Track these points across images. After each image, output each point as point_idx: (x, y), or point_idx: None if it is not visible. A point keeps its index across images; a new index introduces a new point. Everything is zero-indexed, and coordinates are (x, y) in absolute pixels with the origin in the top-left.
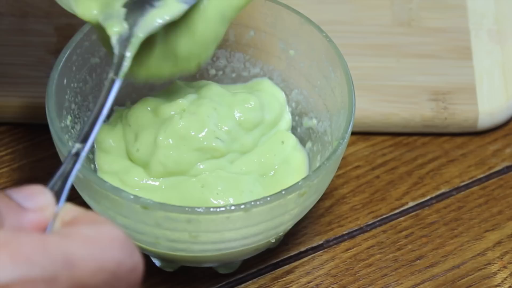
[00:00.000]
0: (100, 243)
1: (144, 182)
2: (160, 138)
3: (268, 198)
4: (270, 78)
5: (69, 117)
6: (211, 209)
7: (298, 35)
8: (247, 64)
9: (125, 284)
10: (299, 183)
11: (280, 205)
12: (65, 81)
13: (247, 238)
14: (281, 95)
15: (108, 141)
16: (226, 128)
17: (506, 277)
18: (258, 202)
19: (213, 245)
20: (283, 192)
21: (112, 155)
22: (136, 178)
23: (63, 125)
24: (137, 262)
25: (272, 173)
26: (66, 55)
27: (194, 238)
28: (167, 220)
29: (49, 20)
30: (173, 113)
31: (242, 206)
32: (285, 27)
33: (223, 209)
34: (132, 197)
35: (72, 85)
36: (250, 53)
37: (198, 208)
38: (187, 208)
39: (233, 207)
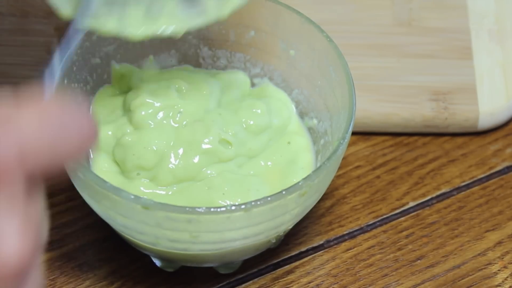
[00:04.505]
0: None
1: (151, 191)
2: (166, 149)
3: (269, 198)
4: (271, 78)
5: None
6: (212, 209)
7: (298, 35)
8: (248, 64)
9: None
10: (300, 183)
11: (281, 205)
12: (65, 81)
13: (248, 238)
14: (288, 99)
15: (102, 166)
16: (232, 132)
17: (507, 277)
18: (258, 202)
19: (213, 245)
20: (284, 192)
21: (110, 174)
22: (141, 188)
23: None
24: None
25: (278, 172)
26: (66, 55)
27: (195, 238)
28: (167, 220)
29: (49, 20)
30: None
31: (243, 206)
32: (285, 27)
33: (223, 209)
34: (132, 197)
35: (72, 85)
36: (251, 53)
37: (199, 208)
38: (187, 208)
39: (233, 207)
